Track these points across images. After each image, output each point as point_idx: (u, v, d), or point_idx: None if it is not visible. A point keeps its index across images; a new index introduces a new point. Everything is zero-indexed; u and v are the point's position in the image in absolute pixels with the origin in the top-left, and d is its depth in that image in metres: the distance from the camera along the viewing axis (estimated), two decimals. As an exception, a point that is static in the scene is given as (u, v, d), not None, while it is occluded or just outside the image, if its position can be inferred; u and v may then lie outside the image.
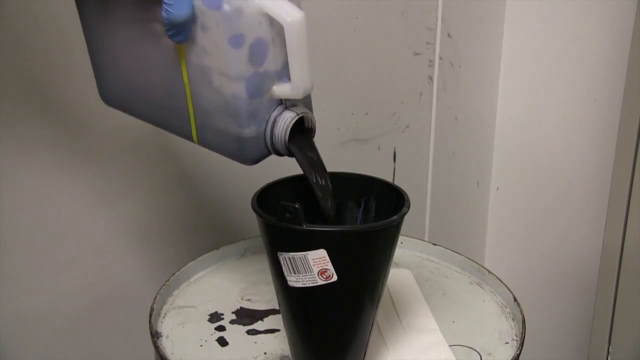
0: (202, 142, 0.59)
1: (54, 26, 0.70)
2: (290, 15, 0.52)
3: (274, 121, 0.57)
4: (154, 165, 0.82)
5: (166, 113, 0.60)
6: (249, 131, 0.56)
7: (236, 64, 0.53)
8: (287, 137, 0.57)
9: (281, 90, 0.56)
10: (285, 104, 0.57)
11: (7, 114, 0.69)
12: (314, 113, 0.60)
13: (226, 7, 0.51)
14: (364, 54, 1.01)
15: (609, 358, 1.11)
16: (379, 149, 1.08)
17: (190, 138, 0.59)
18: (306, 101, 0.60)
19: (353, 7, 0.97)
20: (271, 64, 0.55)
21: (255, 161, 0.59)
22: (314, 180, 0.59)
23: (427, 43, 1.11)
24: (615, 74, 1.09)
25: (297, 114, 0.57)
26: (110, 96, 0.63)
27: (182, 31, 0.52)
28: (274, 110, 0.57)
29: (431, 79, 1.14)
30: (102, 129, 0.77)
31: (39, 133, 0.72)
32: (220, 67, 0.54)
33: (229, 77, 0.54)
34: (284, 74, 0.56)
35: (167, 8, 0.50)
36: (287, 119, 0.57)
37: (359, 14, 0.98)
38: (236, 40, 0.52)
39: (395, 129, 1.11)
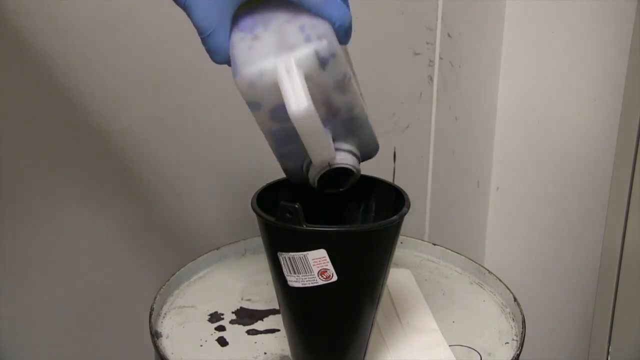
0: None
1: (53, 25, 0.70)
2: (295, 106, 0.49)
3: (309, 163, 0.56)
4: (154, 165, 0.82)
5: None
6: (285, 165, 0.57)
7: (259, 120, 0.53)
8: (316, 183, 0.56)
9: None
10: None
11: (7, 114, 0.69)
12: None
13: (241, 75, 0.50)
14: (363, 54, 1.01)
15: (609, 358, 1.11)
16: (379, 149, 1.08)
17: None
18: (360, 141, 0.57)
19: (353, 7, 0.97)
20: None
21: (300, 185, 0.59)
22: None
23: (427, 43, 1.11)
24: (615, 74, 1.09)
25: (329, 166, 0.55)
26: None
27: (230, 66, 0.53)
28: None
29: (431, 79, 1.14)
30: (105, 129, 0.77)
31: (37, 133, 0.72)
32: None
33: (258, 124, 0.54)
34: None
35: (209, 55, 0.51)
36: (317, 169, 0.55)
37: (359, 14, 0.98)
38: (253, 105, 0.51)
39: (395, 129, 1.11)
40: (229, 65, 0.52)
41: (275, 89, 0.49)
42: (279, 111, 0.51)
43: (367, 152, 0.59)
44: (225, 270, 0.78)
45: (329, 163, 0.55)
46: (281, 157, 0.57)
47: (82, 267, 0.79)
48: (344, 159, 0.56)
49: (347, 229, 0.56)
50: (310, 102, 0.48)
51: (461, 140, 1.25)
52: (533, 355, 1.08)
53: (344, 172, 0.57)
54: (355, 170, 0.57)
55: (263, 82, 0.49)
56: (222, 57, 0.51)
